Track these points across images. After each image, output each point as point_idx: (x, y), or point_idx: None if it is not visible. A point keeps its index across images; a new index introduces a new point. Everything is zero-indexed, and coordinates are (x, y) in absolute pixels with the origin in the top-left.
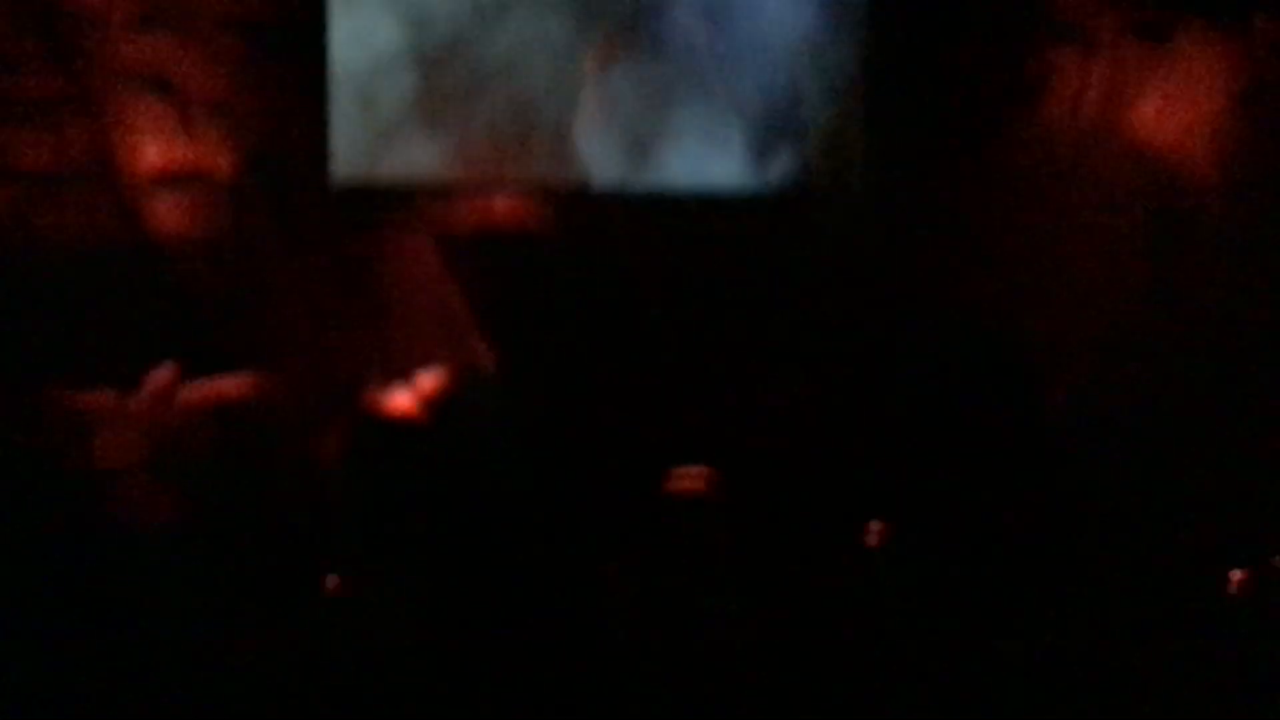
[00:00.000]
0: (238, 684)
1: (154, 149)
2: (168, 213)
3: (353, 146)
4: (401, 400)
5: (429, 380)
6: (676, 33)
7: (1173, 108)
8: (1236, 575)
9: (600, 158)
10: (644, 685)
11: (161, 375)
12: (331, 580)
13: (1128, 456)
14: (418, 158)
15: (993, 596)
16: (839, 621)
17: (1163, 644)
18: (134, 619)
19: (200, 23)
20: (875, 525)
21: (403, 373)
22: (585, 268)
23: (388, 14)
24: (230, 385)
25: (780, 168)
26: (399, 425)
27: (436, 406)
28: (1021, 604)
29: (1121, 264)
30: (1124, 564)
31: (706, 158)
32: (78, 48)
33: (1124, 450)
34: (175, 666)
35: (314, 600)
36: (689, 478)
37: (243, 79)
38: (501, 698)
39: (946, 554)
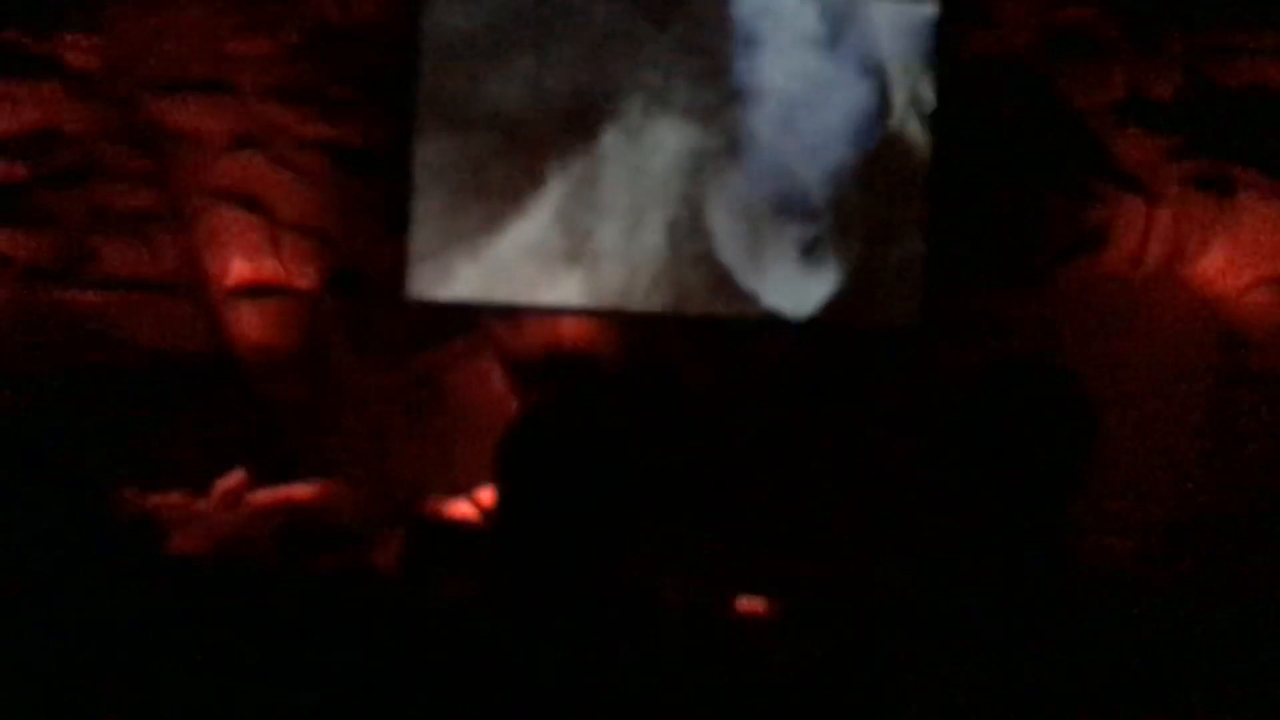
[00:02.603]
0: None
1: (240, 262)
2: (249, 323)
3: (431, 266)
4: (461, 509)
5: (489, 495)
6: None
7: (1236, 262)
8: None
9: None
10: None
11: (232, 479)
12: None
13: (1189, 608)
14: (491, 280)
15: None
16: None
17: None
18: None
19: (291, 145)
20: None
21: (464, 487)
22: (649, 391)
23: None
24: (297, 492)
25: (839, 298)
26: (458, 530)
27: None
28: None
29: (1181, 414)
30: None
31: (770, 283)
32: (176, 165)
33: (1185, 602)
34: None
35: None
36: (750, 604)
37: (329, 199)
38: None
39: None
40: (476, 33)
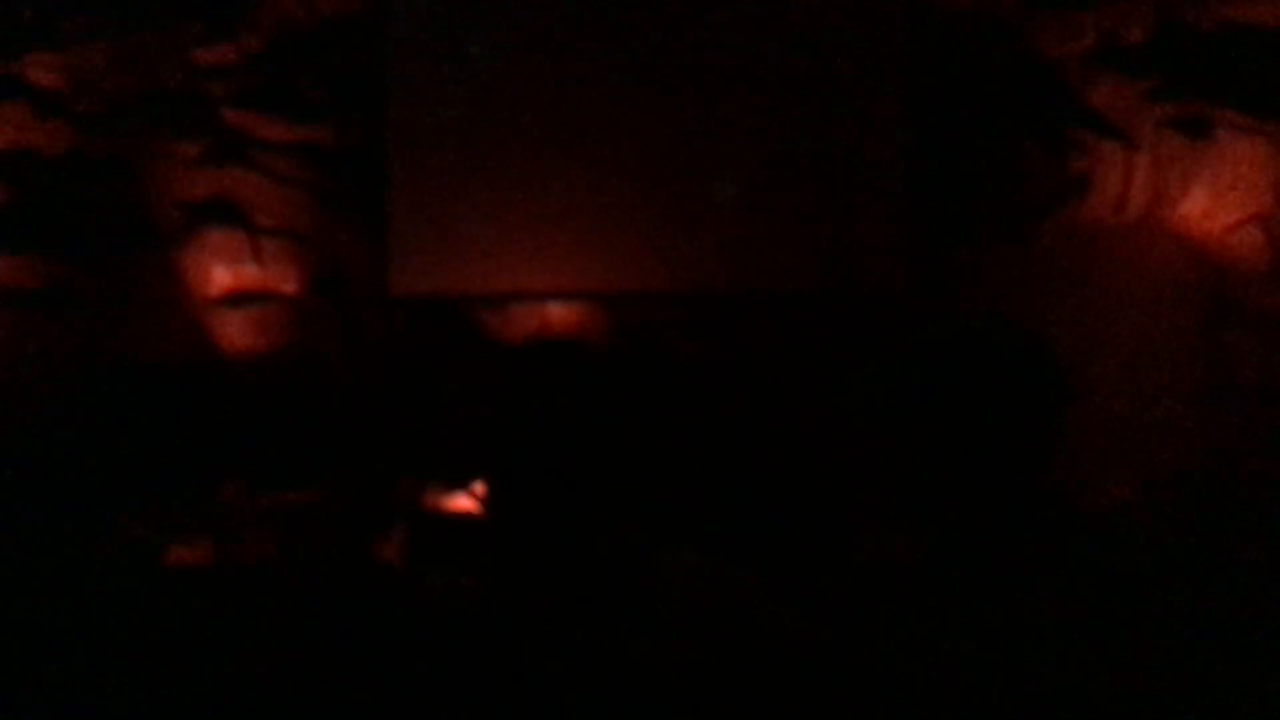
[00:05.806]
0: None
1: (222, 271)
2: (235, 331)
3: (412, 261)
4: (461, 502)
5: (484, 486)
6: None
7: (1218, 203)
8: None
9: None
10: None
11: (229, 489)
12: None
13: (1179, 555)
14: (476, 269)
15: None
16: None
17: None
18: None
19: (264, 150)
20: None
21: (461, 481)
22: (641, 371)
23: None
24: (295, 496)
25: (826, 266)
26: (459, 523)
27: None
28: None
29: (1172, 358)
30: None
31: (753, 258)
32: (150, 178)
33: (1175, 548)
34: None
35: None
36: (746, 577)
37: (306, 202)
38: None
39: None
40: (443, 23)
